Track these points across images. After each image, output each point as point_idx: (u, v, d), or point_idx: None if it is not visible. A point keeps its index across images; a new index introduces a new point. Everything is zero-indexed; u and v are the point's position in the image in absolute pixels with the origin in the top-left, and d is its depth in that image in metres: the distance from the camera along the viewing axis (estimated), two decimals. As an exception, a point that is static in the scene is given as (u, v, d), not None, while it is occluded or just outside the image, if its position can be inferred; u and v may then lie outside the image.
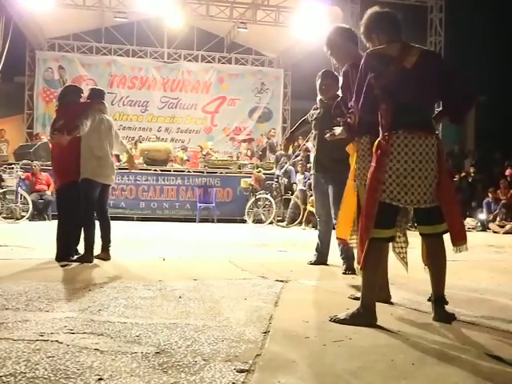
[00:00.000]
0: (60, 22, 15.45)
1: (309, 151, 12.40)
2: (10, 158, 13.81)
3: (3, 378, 2.15)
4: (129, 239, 7.66)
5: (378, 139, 3.17)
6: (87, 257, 5.47)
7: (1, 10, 13.25)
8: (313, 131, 5.58)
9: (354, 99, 3.29)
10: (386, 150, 3.08)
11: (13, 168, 12.06)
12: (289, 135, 6.26)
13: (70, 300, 3.70)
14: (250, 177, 13.06)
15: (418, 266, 3.43)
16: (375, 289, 3.19)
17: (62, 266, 5.22)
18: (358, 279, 3.86)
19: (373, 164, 3.15)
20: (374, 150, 3.20)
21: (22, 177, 11.91)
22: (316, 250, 5.63)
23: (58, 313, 3.30)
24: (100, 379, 2.15)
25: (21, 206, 11.48)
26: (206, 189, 13.21)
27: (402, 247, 3.62)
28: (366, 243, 3.08)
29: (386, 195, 3.08)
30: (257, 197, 12.45)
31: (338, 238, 4.14)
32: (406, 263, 3.63)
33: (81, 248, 5.57)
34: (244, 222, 12.52)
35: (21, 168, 11.94)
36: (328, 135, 4.26)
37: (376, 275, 3.16)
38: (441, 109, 3.35)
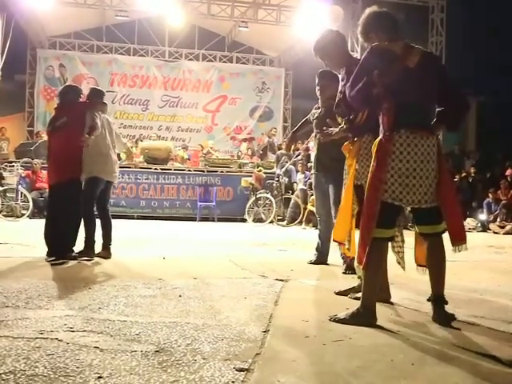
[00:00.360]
0: (61, 20, 15.45)
1: (309, 150, 12.41)
2: (10, 156, 13.82)
3: (3, 375, 2.15)
4: (129, 238, 7.66)
5: (379, 138, 3.17)
6: (88, 252, 5.52)
7: (2, 7, 13.24)
8: (314, 130, 5.58)
9: (349, 84, 3.27)
10: (388, 150, 3.08)
11: (13, 166, 12.07)
12: (291, 135, 6.25)
13: (70, 298, 3.70)
14: (251, 176, 13.07)
15: (418, 266, 3.43)
16: (376, 289, 3.19)
17: (57, 264, 5.20)
18: (358, 279, 3.86)
19: (374, 163, 3.14)
20: (374, 149, 3.19)
21: (23, 175, 11.92)
22: (316, 249, 5.63)
23: (58, 311, 3.30)
24: (99, 377, 2.15)
25: (21, 203, 11.49)
26: (207, 188, 13.21)
27: (400, 246, 3.63)
28: (367, 243, 3.08)
29: (388, 195, 3.08)
30: (257, 196, 12.46)
31: (334, 240, 4.11)
32: (404, 262, 3.63)
33: (79, 246, 5.59)
34: (244, 221, 12.53)
35: (21, 166, 11.95)
36: (322, 136, 4.25)
37: (377, 275, 3.16)
38: (436, 118, 3.31)
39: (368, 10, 3.39)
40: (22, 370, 2.21)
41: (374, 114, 3.29)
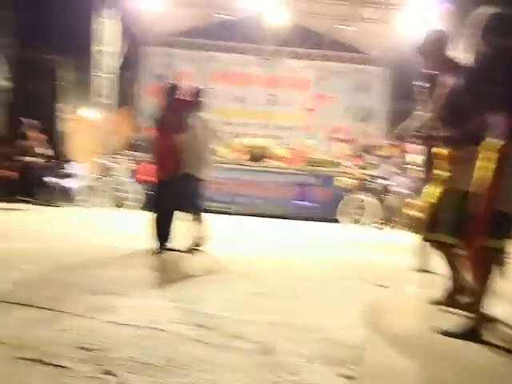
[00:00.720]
0: (167, 19, 16.02)
1: (407, 152, 12.02)
2: (120, 149, 14.45)
3: (119, 360, 2.25)
4: (226, 233, 7.76)
5: (499, 145, 2.97)
6: (189, 249, 5.72)
7: (115, 7, 13.97)
8: (417, 134, 5.39)
9: (465, 86, 3.11)
10: (507, 158, 2.90)
11: (122, 159, 12.61)
12: (398, 135, 6.07)
13: (170, 289, 3.83)
14: (348, 176, 12.88)
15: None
16: (484, 302, 3.01)
17: (158, 255, 5.40)
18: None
19: (494, 171, 2.94)
20: (491, 155, 2.99)
21: (131, 168, 12.43)
22: (417, 255, 5.41)
23: (159, 301, 3.42)
24: (205, 371, 2.19)
25: (128, 195, 11.96)
26: (304, 187, 13.17)
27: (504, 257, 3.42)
28: (479, 254, 2.93)
29: (503, 204, 2.91)
30: (354, 197, 12.27)
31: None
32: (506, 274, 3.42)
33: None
34: (340, 222, 12.36)
35: (130, 159, 12.49)
36: (425, 140, 4.11)
37: (488, 287, 2.99)
38: None
39: (486, 11, 3.20)
40: (134, 357, 2.31)
41: (484, 120, 3.12)
